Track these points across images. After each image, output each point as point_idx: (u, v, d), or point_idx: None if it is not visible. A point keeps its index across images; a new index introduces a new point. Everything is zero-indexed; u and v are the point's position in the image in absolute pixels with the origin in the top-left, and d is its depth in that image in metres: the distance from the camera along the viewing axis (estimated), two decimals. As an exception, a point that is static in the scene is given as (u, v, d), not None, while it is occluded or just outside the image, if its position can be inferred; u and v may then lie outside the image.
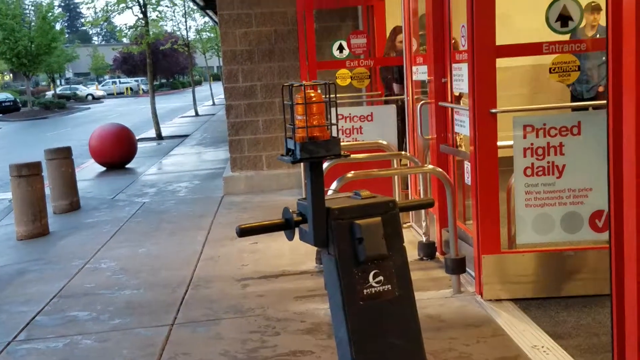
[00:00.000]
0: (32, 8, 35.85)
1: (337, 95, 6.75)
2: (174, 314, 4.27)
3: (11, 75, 62.87)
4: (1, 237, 7.04)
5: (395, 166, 5.42)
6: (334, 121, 2.19)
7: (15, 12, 33.69)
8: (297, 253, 5.39)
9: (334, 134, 2.18)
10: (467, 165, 4.27)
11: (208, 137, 17.00)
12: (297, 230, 2.29)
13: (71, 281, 5.14)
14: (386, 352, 2.15)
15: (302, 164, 2.27)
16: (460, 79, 4.25)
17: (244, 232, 2.20)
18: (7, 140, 22.58)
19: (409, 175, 5.77)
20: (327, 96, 2.15)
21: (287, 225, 2.23)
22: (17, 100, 40.43)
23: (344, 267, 2.11)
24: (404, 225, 5.77)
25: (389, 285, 2.16)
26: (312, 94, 2.13)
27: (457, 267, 4.16)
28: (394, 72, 6.84)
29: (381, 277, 2.16)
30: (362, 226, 2.12)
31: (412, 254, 5.00)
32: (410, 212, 5.80)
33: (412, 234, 5.60)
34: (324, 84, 2.17)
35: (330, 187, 4.23)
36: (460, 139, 4.77)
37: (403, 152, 5.30)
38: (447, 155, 4.87)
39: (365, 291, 2.13)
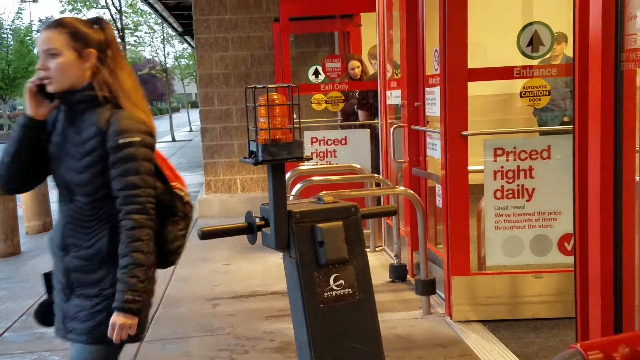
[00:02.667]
0: (10, 32, 35.62)
1: (312, 120, 6.85)
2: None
3: (-13, 98, 62.17)
4: (-29, 256, 6.92)
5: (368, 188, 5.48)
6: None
7: (-7, 35, 33.51)
8: (269, 275, 5.39)
9: (297, 137, 2.20)
10: (439, 188, 4.33)
11: (184, 161, 16.95)
12: (259, 235, 2.29)
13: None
14: (346, 355, 2.16)
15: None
16: (433, 103, 4.34)
17: (205, 235, 2.21)
18: (-20, 163, 22.23)
19: (382, 199, 5.82)
20: (291, 99, 2.18)
21: (249, 229, 2.23)
22: (-7, 123, 39.97)
23: (304, 270, 2.13)
24: (377, 249, 5.81)
25: (350, 289, 2.18)
26: (275, 97, 2.16)
27: (427, 288, 4.19)
28: (360, 99, 6.97)
29: (342, 281, 2.17)
30: (324, 230, 2.13)
31: (383, 276, 5.03)
32: (383, 236, 5.85)
33: (384, 257, 5.64)
34: (287, 87, 2.20)
35: (291, 193, 4.27)
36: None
37: (376, 175, 5.36)
38: (419, 178, 4.94)
39: (325, 294, 2.14)
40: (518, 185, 3.98)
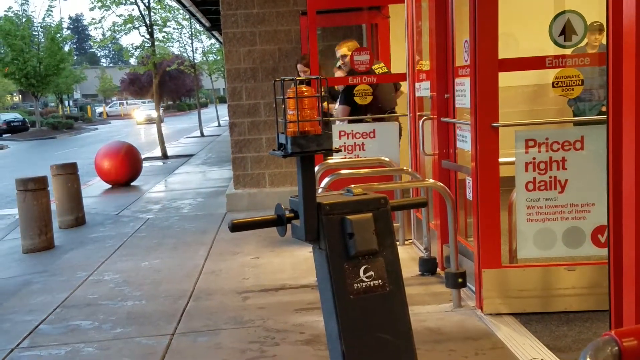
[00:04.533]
0: (41, 29, 36.18)
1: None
2: (175, 324, 4.28)
3: (20, 95, 63.40)
4: (7, 250, 7.07)
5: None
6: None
7: (24, 33, 34.04)
8: (298, 268, 5.41)
9: (326, 129, 2.20)
10: (469, 181, 4.29)
11: (213, 156, 17.07)
12: (289, 227, 2.29)
13: (75, 292, 5.16)
14: (376, 347, 2.16)
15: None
16: (463, 94, 4.29)
17: (236, 227, 2.21)
18: (15, 159, 22.72)
19: (411, 192, 5.79)
20: (320, 91, 2.17)
21: (279, 221, 2.23)
22: (26, 120, 40.73)
23: (334, 261, 2.12)
24: (406, 242, 5.78)
25: (380, 281, 2.17)
26: (304, 89, 2.16)
27: (457, 281, 4.16)
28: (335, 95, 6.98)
29: (372, 272, 2.16)
30: (353, 221, 2.13)
31: (413, 269, 5.01)
32: (412, 229, 5.82)
33: (414, 250, 5.61)
34: (316, 79, 2.20)
35: (320, 185, 4.25)
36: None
37: (405, 168, 5.33)
38: (449, 171, 4.90)
39: (355, 285, 2.14)
40: (550, 177, 3.92)
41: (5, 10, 34.76)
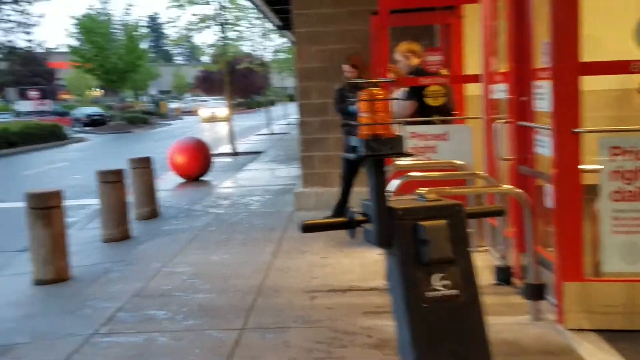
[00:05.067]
0: (120, 27, 37.50)
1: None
2: (244, 319, 4.35)
3: (101, 91, 65.84)
4: (88, 239, 7.37)
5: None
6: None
7: (105, 31, 35.35)
8: (367, 270, 5.40)
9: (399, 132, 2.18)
10: (548, 188, 4.16)
11: (281, 154, 17.25)
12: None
13: (149, 282, 5.33)
14: (450, 357, 2.12)
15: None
16: (542, 98, 4.18)
17: (307, 228, 2.21)
18: (94, 151, 23.66)
19: (485, 198, 5.66)
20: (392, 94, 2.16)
21: (350, 225, 2.23)
22: (105, 114, 42.29)
23: (406, 268, 2.10)
24: (480, 250, 5.65)
25: (455, 290, 2.13)
26: (378, 92, 2.14)
27: (536, 293, 4.02)
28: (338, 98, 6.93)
29: (447, 281, 2.13)
30: (427, 228, 2.10)
31: (487, 278, 4.90)
32: (486, 236, 5.69)
33: (487, 258, 5.49)
34: (389, 82, 2.19)
35: (390, 187, 4.21)
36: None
37: (479, 172, 5.22)
38: (526, 177, 4.76)
39: (428, 294, 2.11)
40: (637, 188, 3.75)
41: (87, 8, 36.22)
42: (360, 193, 7.21)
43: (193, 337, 4.08)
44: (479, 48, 5.61)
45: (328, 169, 8.49)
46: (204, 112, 45.01)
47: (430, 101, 6.18)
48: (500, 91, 5.15)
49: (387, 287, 2.38)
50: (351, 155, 2.22)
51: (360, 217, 2.23)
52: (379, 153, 2.14)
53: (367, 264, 5.55)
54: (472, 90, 6.44)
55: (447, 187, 4.60)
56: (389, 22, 6.72)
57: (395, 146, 2.15)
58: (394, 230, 2.13)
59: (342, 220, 2.26)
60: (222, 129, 28.37)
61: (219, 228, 7.57)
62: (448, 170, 5.37)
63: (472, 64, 6.56)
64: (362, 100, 2.17)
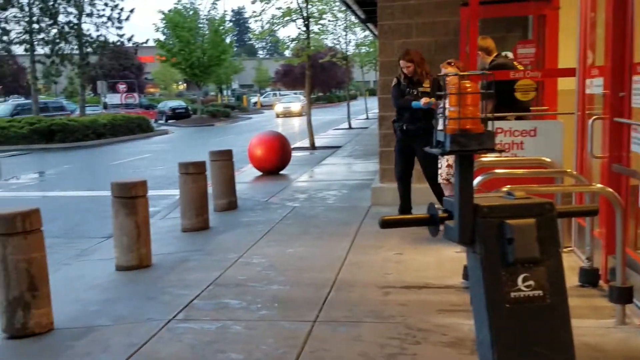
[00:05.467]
0: (206, 22, 38.42)
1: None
2: (317, 312, 4.37)
3: (185, 84, 67.83)
4: (168, 228, 7.61)
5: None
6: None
7: (191, 25, 36.31)
8: (443, 268, 5.31)
9: (489, 127, 2.10)
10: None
11: (359, 149, 17.22)
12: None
13: (226, 272, 5.44)
14: (531, 360, 2.05)
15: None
16: (642, 94, 3.95)
17: (386, 223, 2.17)
18: (177, 143, 24.41)
19: (573, 197, 5.44)
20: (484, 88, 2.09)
21: (431, 221, 2.17)
22: (189, 107, 43.53)
23: (490, 267, 2.03)
24: (565, 250, 5.45)
25: (540, 291, 2.05)
26: (468, 85, 2.08)
27: (623, 296, 3.83)
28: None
29: (531, 282, 2.05)
30: (514, 226, 2.02)
31: (571, 279, 4.71)
32: (573, 237, 5.48)
33: (573, 259, 5.28)
34: (481, 74, 2.12)
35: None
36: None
37: (569, 170, 5.01)
38: (620, 176, 4.54)
39: (512, 294, 2.03)
40: None
41: (174, 3, 37.29)
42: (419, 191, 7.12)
43: (266, 327, 4.13)
44: (575, 40, 5.38)
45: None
46: (278, 107, 44.98)
47: (519, 96, 6.00)
48: (596, 86, 4.92)
49: (468, 285, 2.32)
50: (436, 151, 2.16)
51: (442, 214, 2.18)
52: (467, 149, 2.07)
53: (443, 262, 5.46)
54: (567, 84, 6.20)
55: (534, 185, 4.45)
56: (479, 13, 6.55)
57: (484, 142, 2.07)
58: (477, 228, 2.07)
59: (423, 217, 2.21)
60: (301, 123, 28.65)
61: (295, 221, 7.64)
62: (535, 168, 5.19)
63: (567, 57, 6.31)
64: (451, 94, 2.11)
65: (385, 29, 8.22)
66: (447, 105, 2.14)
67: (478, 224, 2.07)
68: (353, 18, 21.29)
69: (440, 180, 6.36)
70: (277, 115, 42.97)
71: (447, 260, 5.45)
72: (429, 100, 6.38)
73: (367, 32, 25.29)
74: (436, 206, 2.19)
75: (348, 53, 27.42)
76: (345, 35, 27.39)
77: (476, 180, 4.12)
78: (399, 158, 6.91)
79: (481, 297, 2.05)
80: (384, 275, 5.20)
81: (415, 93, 6.61)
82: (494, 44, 6.33)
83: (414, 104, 6.49)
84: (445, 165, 6.27)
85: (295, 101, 45.64)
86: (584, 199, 4.96)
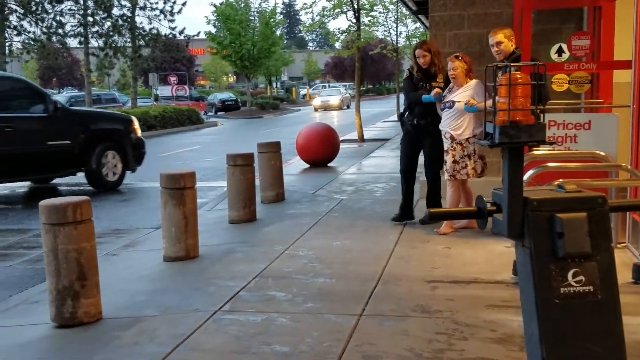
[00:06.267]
0: (257, 14, 38.71)
1: (552, 102, 6.25)
2: (363, 305, 4.32)
3: (234, 77, 68.55)
4: (216, 219, 7.67)
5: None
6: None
7: (242, 18, 36.64)
8: (492, 263, 5.18)
9: (540, 119, 2.03)
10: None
11: (409, 142, 17.04)
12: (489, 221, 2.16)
13: (272, 264, 5.44)
14: (581, 357, 1.97)
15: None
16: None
17: (433, 216, 2.13)
18: (227, 135, 24.69)
19: (628, 191, 5.23)
20: (535, 79, 2.02)
21: (479, 214, 2.11)
22: (238, 99, 43.98)
23: (539, 261, 1.97)
24: (619, 246, 5.27)
25: (591, 287, 1.98)
26: (518, 76, 2.01)
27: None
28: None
29: (582, 277, 1.98)
30: (564, 220, 1.95)
31: (624, 276, 4.54)
32: (627, 232, 5.28)
33: (627, 255, 5.09)
34: (533, 65, 2.04)
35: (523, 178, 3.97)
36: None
37: (623, 164, 4.82)
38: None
39: (562, 289, 1.97)
40: None
41: (227, -4, 37.68)
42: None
43: (311, 320, 4.10)
44: (632, 32, 5.17)
45: (495, 157, 8.23)
46: (316, 101, 43.67)
47: (573, 88, 5.81)
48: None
49: (517, 280, 2.24)
50: (485, 142, 2.11)
51: (490, 207, 2.13)
52: (516, 141, 2.02)
53: (492, 257, 5.33)
54: (622, 77, 5.98)
55: (587, 179, 4.30)
56: (533, 4, 6.39)
57: (535, 134, 2.02)
58: (527, 221, 2.02)
59: (471, 210, 2.17)
60: (347, 116, 28.57)
61: (342, 214, 7.59)
62: (589, 162, 5.01)
63: (623, 49, 6.09)
64: (501, 85, 2.06)
65: (437, 20, 8.09)
66: (498, 97, 2.07)
67: (527, 217, 2.01)
68: (404, 9, 21.09)
69: (446, 176, 6.21)
70: (315, 109, 41.91)
71: (497, 255, 5.32)
72: (440, 91, 6.24)
73: (418, 24, 24.98)
74: (484, 199, 2.13)
75: (398, 45, 27.19)
76: (396, 27, 27.16)
77: (527, 174, 3.99)
78: (406, 152, 6.77)
79: (530, 292, 2.00)
80: (432, 269, 5.11)
81: (428, 87, 6.44)
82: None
83: (425, 97, 6.36)
84: (451, 161, 6.13)
85: (335, 94, 44.30)
86: (639, 193, 4.76)
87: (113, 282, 5.02)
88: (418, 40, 30.12)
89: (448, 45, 8.05)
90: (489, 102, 2.12)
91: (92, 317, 4.24)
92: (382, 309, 4.25)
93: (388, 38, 28.63)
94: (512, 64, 2.05)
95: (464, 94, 6.04)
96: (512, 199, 2.03)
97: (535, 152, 4.85)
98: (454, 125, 6.09)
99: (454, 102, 6.07)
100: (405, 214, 6.78)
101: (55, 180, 11.80)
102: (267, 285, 4.85)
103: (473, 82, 6.11)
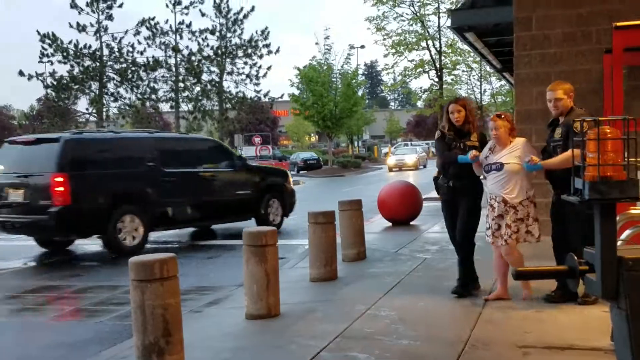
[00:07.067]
0: (339, 76, 39.53)
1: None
2: (449, 370, 4.14)
3: (317, 136, 69.82)
4: (297, 277, 7.66)
5: None
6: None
7: (325, 80, 37.51)
8: (589, 327, 4.89)
9: (632, 175, 1.92)
10: None
11: (494, 200, 16.64)
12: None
13: (353, 324, 5.34)
14: None
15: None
16: None
17: (520, 275, 2.03)
18: (309, 193, 24.92)
19: None
20: (626, 134, 1.92)
21: (570, 274, 1.99)
22: (320, 158, 44.58)
23: (636, 324, 1.82)
24: None
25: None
26: (607, 130, 1.92)
27: None
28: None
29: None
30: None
31: None
32: None
33: None
34: (622, 119, 1.94)
35: (620, 237, 3.75)
36: None
37: None
38: None
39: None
40: None
41: (309, 59, 38.84)
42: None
43: (395, 385, 3.96)
44: None
45: (547, 216, 7.93)
46: (391, 160, 39.86)
47: None
48: None
49: (613, 347, 2.08)
50: (573, 199, 2.01)
51: (582, 267, 2.01)
52: (607, 197, 1.92)
53: (588, 321, 5.03)
54: None
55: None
56: (624, 60, 6.21)
57: (627, 190, 1.92)
58: (622, 281, 1.88)
59: (561, 269, 2.05)
60: (428, 174, 28.32)
61: (425, 273, 7.41)
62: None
63: None
64: (590, 140, 1.97)
65: (522, 77, 8.00)
66: (587, 152, 1.99)
67: (622, 277, 1.88)
68: (488, 68, 21.02)
69: (501, 242, 5.72)
70: (390, 169, 38.38)
71: (594, 319, 5.02)
72: (477, 153, 5.77)
73: (503, 82, 24.83)
74: (575, 258, 2.01)
75: (483, 102, 27.01)
76: (480, 84, 27.08)
77: (624, 234, 3.78)
78: (449, 219, 6.30)
79: (627, 356, 1.83)
80: (523, 334, 4.86)
81: (462, 147, 5.98)
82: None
83: (461, 158, 5.87)
84: (505, 224, 5.67)
85: (410, 153, 40.59)
86: None
87: (197, 339, 5.05)
88: (504, 98, 29.87)
89: (535, 102, 7.92)
90: (577, 155, 2.03)
91: (176, 375, 4.25)
92: (470, 375, 4.05)
93: (472, 96, 28.53)
94: (601, 118, 1.97)
95: (510, 154, 5.64)
96: (605, 258, 1.91)
97: (632, 211, 4.60)
98: (506, 189, 5.66)
99: (502, 164, 5.64)
100: (465, 288, 6.14)
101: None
102: (349, 346, 4.75)
103: (519, 140, 5.74)
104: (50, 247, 11.24)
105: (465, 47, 15.90)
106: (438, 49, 19.00)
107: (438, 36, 30.53)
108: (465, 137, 6.05)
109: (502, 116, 5.83)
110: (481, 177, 6.00)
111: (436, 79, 18.22)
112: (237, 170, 12.45)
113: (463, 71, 25.57)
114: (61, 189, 9.61)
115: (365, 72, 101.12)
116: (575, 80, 7.63)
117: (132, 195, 10.56)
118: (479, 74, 26.85)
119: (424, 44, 32.05)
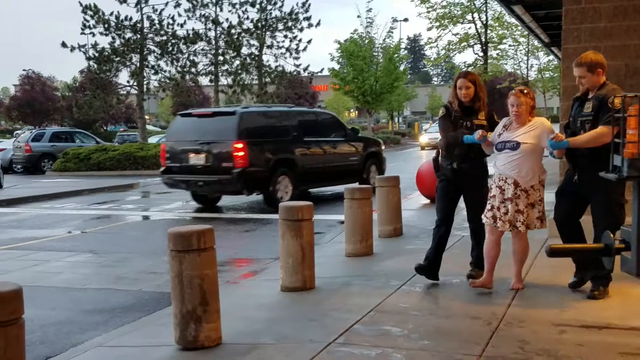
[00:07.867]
0: (381, 50, 39.06)
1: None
2: (483, 346, 4.13)
3: (356, 112, 69.46)
4: (333, 252, 7.69)
5: None
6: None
7: (366, 54, 37.10)
8: (627, 307, 4.83)
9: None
10: None
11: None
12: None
13: (387, 299, 5.35)
14: None
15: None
16: None
17: (554, 252, 2.00)
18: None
19: None
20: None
21: (606, 251, 1.95)
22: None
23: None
24: None
25: None
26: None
27: None
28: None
29: None
30: None
31: None
32: None
33: None
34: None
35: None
36: None
37: None
38: None
39: None
40: None
41: (350, 33, 38.41)
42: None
43: (427, 358, 3.98)
44: None
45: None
46: (423, 138, 38.31)
47: None
48: None
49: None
50: (611, 176, 1.97)
51: (618, 244, 1.97)
52: None
53: (627, 300, 4.95)
54: None
55: None
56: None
57: None
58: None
59: (596, 246, 2.02)
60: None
61: (463, 251, 7.33)
62: None
63: None
64: (631, 116, 1.93)
65: (570, 52, 7.77)
66: (627, 128, 1.93)
67: None
68: (536, 42, 20.51)
69: (506, 227, 5.35)
70: (422, 148, 36.42)
71: (633, 299, 4.94)
72: (485, 133, 5.38)
73: (551, 57, 24.22)
74: (612, 236, 1.97)
75: (529, 78, 26.42)
76: (527, 59, 26.45)
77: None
78: (444, 202, 5.87)
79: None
80: (560, 312, 4.81)
81: (469, 125, 5.58)
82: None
83: (467, 138, 5.47)
84: (514, 210, 5.25)
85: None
86: None
87: (233, 309, 5.14)
88: (552, 74, 29.05)
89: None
90: (609, 133, 1.97)
91: (213, 342, 4.36)
92: (504, 351, 4.04)
93: (518, 71, 27.91)
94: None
95: (527, 133, 5.25)
96: (644, 236, 1.86)
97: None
98: (520, 170, 5.25)
99: (518, 142, 5.24)
100: (430, 270, 5.87)
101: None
102: (383, 320, 4.77)
103: (539, 120, 5.37)
104: (204, 203, 13.37)
105: (513, 20, 15.44)
106: (484, 22, 18.61)
107: (485, 9, 30.06)
108: (472, 115, 5.65)
109: (526, 92, 5.47)
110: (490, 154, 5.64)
111: (481, 54, 17.84)
112: (351, 140, 14.58)
113: (510, 45, 24.90)
114: (241, 153, 11.75)
115: (408, 47, 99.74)
116: (626, 56, 7.41)
117: (286, 159, 12.63)
118: (526, 49, 26.13)
119: (469, 17, 31.45)
